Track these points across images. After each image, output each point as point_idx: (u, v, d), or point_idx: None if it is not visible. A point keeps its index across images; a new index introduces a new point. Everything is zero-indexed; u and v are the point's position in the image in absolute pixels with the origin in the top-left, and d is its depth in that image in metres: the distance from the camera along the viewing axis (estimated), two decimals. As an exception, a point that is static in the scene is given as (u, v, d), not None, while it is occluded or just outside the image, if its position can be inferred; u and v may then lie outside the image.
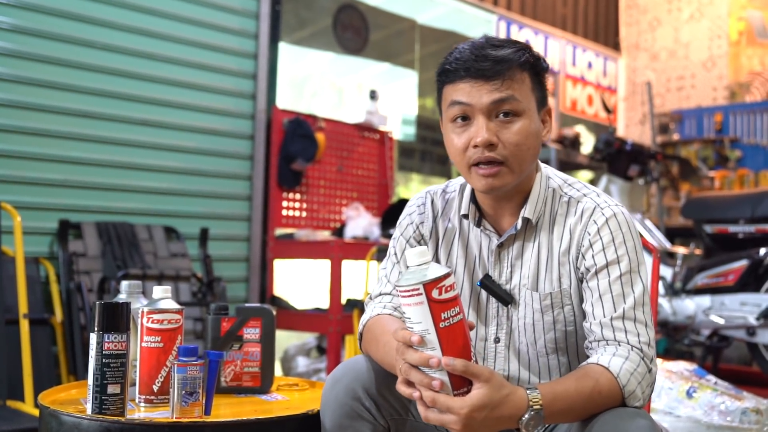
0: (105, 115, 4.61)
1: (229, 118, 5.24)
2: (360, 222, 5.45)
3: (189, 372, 1.81)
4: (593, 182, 6.99)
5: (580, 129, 7.75)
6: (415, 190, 7.22)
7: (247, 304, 2.29)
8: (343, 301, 5.02)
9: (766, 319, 4.69)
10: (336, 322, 4.86)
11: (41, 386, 3.46)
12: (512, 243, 1.88)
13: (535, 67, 1.82)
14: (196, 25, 5.05)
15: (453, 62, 1.80)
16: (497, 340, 1.89)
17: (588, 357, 1.76)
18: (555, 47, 8.35)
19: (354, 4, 6.54)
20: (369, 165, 6.10)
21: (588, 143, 7.92)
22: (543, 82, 1.85)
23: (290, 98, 6.52)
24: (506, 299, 1.86)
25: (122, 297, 2.09)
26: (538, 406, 1.56)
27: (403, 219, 2.02)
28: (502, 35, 7.56)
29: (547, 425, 1.84)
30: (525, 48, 1.81)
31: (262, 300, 5.35)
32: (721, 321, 4.88)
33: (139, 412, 1.93)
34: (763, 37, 8.34)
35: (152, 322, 1.96)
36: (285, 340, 5.73)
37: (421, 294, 1.52)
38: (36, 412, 3.21)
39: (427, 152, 7.22)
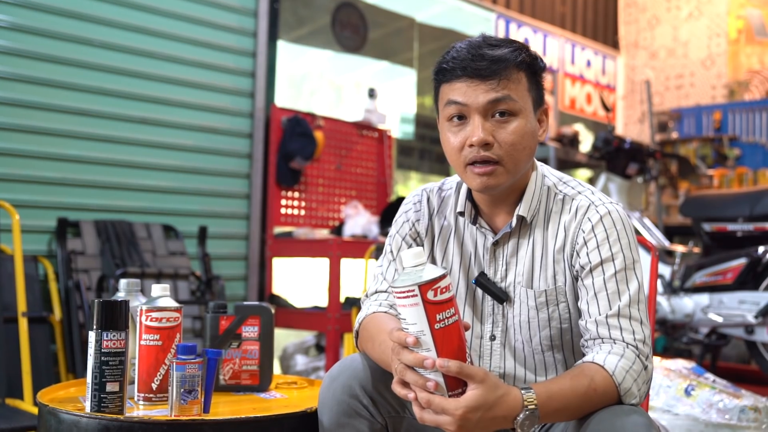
0: (103, 113, 4.61)
1: (228, 117, 5.24)
2: (359, 220, 5.45)
3: (188, 370, 1.82)
4: (592, 180, 7.00)
5: (578, 127, 7.76)
6: (414, 189, 7.22)
7: (245, 303, 2.29)
8: (342, 299, 5.02)
9: (764, 317, 4.70)
10: (334, 321, 4.87)
11: (40, 384, 3.48)
12: (507, 241, 1.88)
13: (532, 67, 1.82)
14: (194, 23, 5.05)
15: (450, 61, 1.80)
16: (493, 338, 1.89)
17: (584, 354, 1.77)
18: (554, 45, 8.35)
19: (353, 2, 6.54)
20: (368, 163, 6.10)
21: (587, 141, 7.93)
22: (540, 82, 1.86)
23: (289, 96, 6.52)
24: (501, 297, 1.86)
25: (121, 295, 2.09)
26: (533, 406, 1.56)
27: (399, 217, 2.02)
28: (501, 33, 7.56)
29: (543, 424, 1.85)
30: (522, 48, 1.81)
31: (260, 298, 5.35)
32: (720, 319, 4.88)
33: (137, 410, 1.94)
34: (762, 36, 8.34)
35: (151, 320, 1.97)
36: (284, 338, 5.73)
37: (416, 295, 1.52)
38: (35, 410, 3.21)
39: (425, 151, 7.22)
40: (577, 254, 1.81)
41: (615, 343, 1.72)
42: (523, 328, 1.85)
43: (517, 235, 1.88)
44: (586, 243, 1.80)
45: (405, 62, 7.21)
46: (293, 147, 5.33)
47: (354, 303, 4.95)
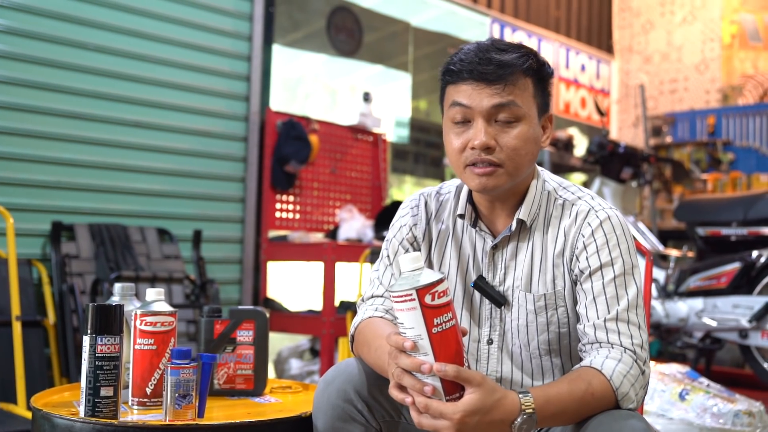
0: (98, 116, 4.61)
1: (223, 120, 5.24)
2: (353, 224, 5.45)
3: (182, 374, 1.81)
4: (586, 184, 7.00)
5: (573, 131, 7.77)
6: (409, 193, 7.23)
7: (240, 307, 2.29)
8: (337, 303, 5.02)
9: (758, 321, 4.70)
10: (329, 325, 4.86)
11: (34, 389, 3.47)
12: (506, 244, 1.88)
13: (539, 73, 1.82)
14: (189, 27, 5.05)
15: (457, 63, 1.80)
16: (490, 342, 1.89)
17: (582, 358, 1.77)
18: (548, 50, 8.37)
19: (347, 6, 6.55)
20: (362, 167, 6.10)
21: (581, 146, 7.94)
22: (546, 89, 1.86)
23: (284, 100, 6.52)
24: (499, 301, 1.86)
25: (115, 299, 2.08)
26: (530, 410, 1.56)
27: (396, 221, 2.02)
28: (496, 38, 7.56)
29: (540, 429, 1.85)
30: (530, 53, 1.81)
31: (255, 302, 5.35)
32: (714, 323, 4.89)
33: (132, 414, 1.93)
34: (756, 41, 8.36)
35: (145, 324, 1.96)
36: (278, 342, 5.73)
37: (414, 299, 1.53)
38: (29, 415, 3.21)
39: (420, 154, 7.22)
40: (577, 258, 1.81)
41: (613, 347, 1.72)
42: (521, 332, 1.86)
43: (516, 239, 1.88)
44: (585, 247, 1.80)
45: (400, 66, 7.21)
46: (288, 150, 5.33)
47: (349, 307, 4.95)
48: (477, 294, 1.90)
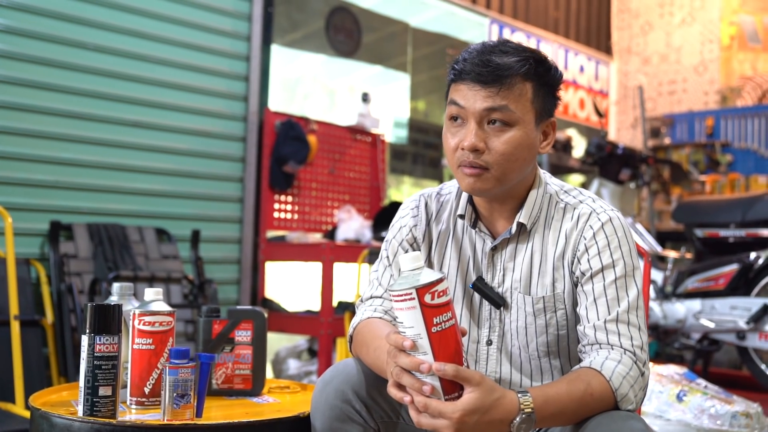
0: (96, 116, 4.60)
1: (221, 120, 5.24)
2: (352, 225, 5.45)
3: (180, 374, 1.81)
4: (584, 186, 7.01)
5: (571, 132, 7.77)
6: (407, 193, 7.23)
7: (238, 307, 2.29)
8: (335, 303, 5.02)
9: (756, 323, 4.71)
10: (327, 325, 4.86)
11: (32, 388, 3.46)
12: (506, 246, 1.89)
13: (542, 78, 1.81)
14: (188, 27, 5.04)
15: (461, 62, 1.80)
16: (489, 343, 1.89)
17: (581, 360, 1.77)
18: (547, 51, 8.35)
19: (346, 6, 6.55)
20: (361, 168, 6.10)
21: (579, 147, 7.94)
22: (551, 93, 1.84)
23: (282, 100, 6.52)
24: (498, 302, 1.86)
25: (114, 299, 2.09)
26: (529, 410, 1.56)
27: (396, 222, 2.02)
28: (495, 39, 7.56)
29: (539, 429, 1.85)
30: (533, 57, 1.79)
31: (253, 302, 5.34)
32: (712, 325, 4.90)
33: (130, 414, 1.93)
34: (755, 42, 8.37)
35: (144, 324, 1.96)
36: (276, 342, 5.73)
37: (413, 299, 1.53)
38: (27, 414, 3.21)
39: (419, 155, 7.22)
40: (578, 260, 1.81)
41: (612, 348, 1.72)
42: (520, 334, 1.86)
43: (515, 241, 1.88)
44: (587, 249, 1.80)
45: (398, 67, 7.22)
46: (286, 151, 5.33)
47: (347, 307, 4.95)
48: (477, 295, 1.90)
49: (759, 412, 3.62)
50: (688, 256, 5.71)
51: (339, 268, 5.01)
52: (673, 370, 3.89)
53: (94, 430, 1.76)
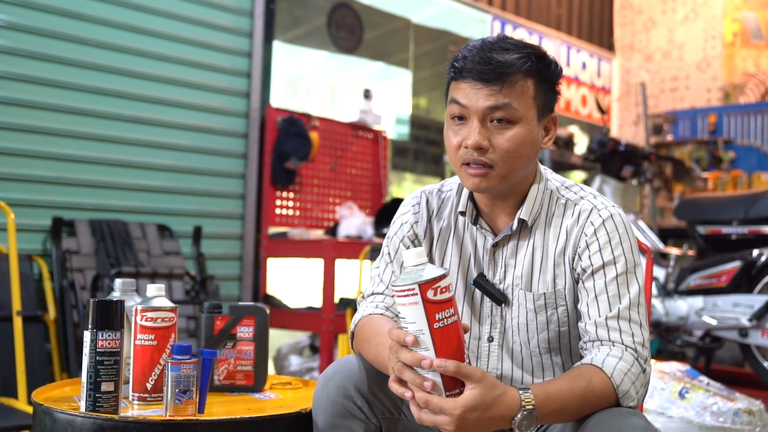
0: (99, 112, 4.61)
1: (223, 117, 5.24)
2: (353, 221, 5.45)
3: (183, 370, 1.81)
4: (587, 182, 7.00)
5: (573, 129, 7.77)
6: (409, 190, 7.23)
7: (240, 303, 2.29)
8: (336, 300, 5.02)
9: (758, 320, 4.70)
10: (329, 321, 4.86)
11: (34, 383, 3.47)
12: (507, 242, 1.88)
13: (543, 74, 1.80)
14: (190, 23, 5.04)
15: (460, 59, 1.79)
16: (491, 339, 1.89)
17: (582, 356, 1.77)
18: (549, 47, 8.35)
19: (348, 2, 6.54)
20: (362, 164, 6.10)
21: (582, 144, 7.94)
22: (551, 90, 1.84)
23: (284, 97, 6.52)
24: (499, 299, 1.86)
25: (116, 295, 2.09)
26: (530, 406, 1.56)
27: (397, 218, 2.02)
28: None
29: (540, 425, 1.85)
30: (534, 54, 1.79)
31: (255, 298, 5.35)
32: (714, 322, 4.89)
33: (132, 409, 1.93)
34: (758, 39, 8.35)
35: (146, 320, 1.96)
36: (278, 338, 5.74)
37: (416, 294, 1.53)
38: (29, 410, 3.21)
39: (420, 152, 7.22)
40: (579, 257, 1.81)
41: (614, 345, 1.72)
42: (522, 331, 1.86)
43: (517, 238, 1.88)
44: (588, 246, 1.80)
45: (400, 63, 7.21)
46: (288, 147, 5.33)
47: (348, 304, 4.95)
48: (478, 291, 1.90)
49: (761, 410, 3.62)
50: (691, 253, 5.70)
51: (340, 264, 5.01)
52: (675, 367, 3.89)
53: (96, 425, 1.76)
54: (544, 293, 1.83)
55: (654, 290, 5.23)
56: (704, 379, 3.80)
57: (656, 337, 5.42)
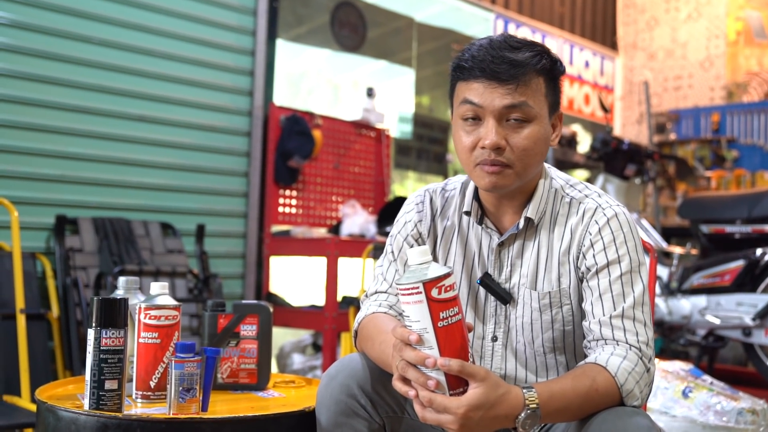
0: (102, 110, 4.61)
1: (226, 115, 5.24)
2: (356, 219, 5.45)
3: (186, 368, 1.82)
4: (590, 181, 7.00)
5: (576, 128, 7.76)
6: (412, 188, 7.22)
7: (244, 301, 2.29)
8: (339, 298, 5.02)
9: (762, 319, 4.70)
10: (332, 320, 4.86)
11: (38, 381, 3.47)
12: (513, 242, 1.88)
13: (552, 72, 1.81)
14: (193, 21, 5.04)
15: (469, 60, 1.78)
16: (495, 339, 1.89)
17: (586, 355, 1.77)
18: (552, 46, 8.35)
19: (352, 1, 6.54)
20: (365, 162, 6.10)
21: (585, 142, 7.93)
22: (557, 87, 1.84)
23: (287, 95, 6.52)
24: (505, 298, 1.86)
25: (120, 293, 2.09)
26: (534, 405, 1.56)
27: (401, 217, 2.01)
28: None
29: (544, 424, 1.84)
30: (543, 52, 1.79)
31: (257, 297, 5.35)
32: (717, 321, 4.88)
33: (136, 408, 1.94)
34: (761, 38, 8.34)
35: (150, 318, 1.97)
36: (281, 337, 5.73)
37: (420, 293, 1.52)
38: (33, 407, 3.22)
39: (423, 150, 7.21)
40: (584, 256, 1.81)
41: (618, 344, 1.71)
42: (526, 330, 1.85)
43: (522, 237, 1.88)
44: (592, 245, 1.80)
45: (403, 62, 7.21)
46: (291, 146, 5.33)
47: (351, 302, 4.95)
48: (482, 291, 1.89)
49: (765, 409, 3.61)
50: (694, 252, 5.69)
51: (343, 262, 5.01)
52: (678, 366, 3.89)
53: (100, 423, 1.76)
54: (549, 292, 1.83)
55: (657, 289, 5.23)
56: (708, 378, 3.80)
57: (659, 336, 5.41)
